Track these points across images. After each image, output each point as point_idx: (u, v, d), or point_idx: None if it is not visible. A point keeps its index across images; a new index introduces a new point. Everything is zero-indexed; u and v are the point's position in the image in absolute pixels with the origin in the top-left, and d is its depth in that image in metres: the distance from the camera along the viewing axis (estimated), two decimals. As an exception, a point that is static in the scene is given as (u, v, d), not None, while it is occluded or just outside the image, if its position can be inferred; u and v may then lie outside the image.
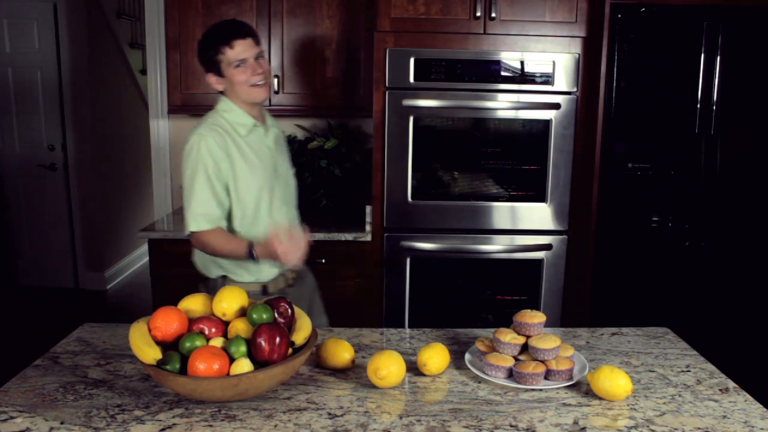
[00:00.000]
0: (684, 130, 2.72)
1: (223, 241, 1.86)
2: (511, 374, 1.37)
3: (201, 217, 1.84)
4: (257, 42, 1.90)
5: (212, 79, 1.93)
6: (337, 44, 3.03)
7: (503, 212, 2.81)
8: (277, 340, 1.25)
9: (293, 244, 1.73)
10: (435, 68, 2.69)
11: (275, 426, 1.18)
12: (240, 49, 1.85)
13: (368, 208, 2.82)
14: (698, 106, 2.70)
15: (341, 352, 1.42)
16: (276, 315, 1.34)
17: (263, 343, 1.24)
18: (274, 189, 1.96)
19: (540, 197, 2.80)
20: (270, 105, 3.04)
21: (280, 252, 1.72)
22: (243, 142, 1.90)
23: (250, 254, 1.80)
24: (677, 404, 1.29)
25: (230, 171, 1.86)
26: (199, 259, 2.01)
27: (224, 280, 1.95)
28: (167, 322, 1.29)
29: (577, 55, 2.72)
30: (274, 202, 1.95)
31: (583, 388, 1.35)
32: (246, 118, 1.93)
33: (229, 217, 1.92)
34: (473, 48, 2.72)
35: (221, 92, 1.97)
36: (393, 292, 2.80)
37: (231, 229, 1.93)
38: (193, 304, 1.39)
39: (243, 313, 1.36)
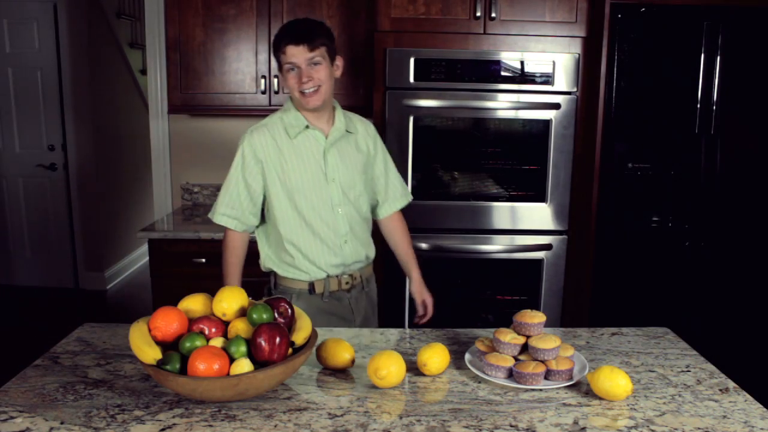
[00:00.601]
0: (684, 130, 2.72)
1: (234, 260, 1.97)
2: (511, 374, 1.37)
3: (225, 212, 1.91)
4: (313, 48, 1.82)
5: (279, 77, 1.94)
6: (337, 44, 3.02)
7: (503, 212, 2.81)
8: (277, 340, 1.25)
9: None
10: (435, 68, 2.69)
11: (275, 426, 1.18)
12: (291, 54, 1.82)
13: (368, 208, 2.82)
14: (698, 106, 2.70)
15: (341, 352, 1.42)
16: (276, 315, 1.34)
17: (263, 343, 1.24)
18: (322, 193, 1.90)
19: (540, 197, 2.80)
20: (270, 105, 3.05)
21: None
22: (288, 144, 1.89)
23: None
24: (677, 404, 1.29)
25: (270, 170, 1.88)
26: (262, 251, 2.03)
27: (274, 277, 2.01)
28: (167, 322, 1.29)
29: (577, 55, 2.72)
30: (320, 205, 1.91)
31: (583, 388, 1.35)
32: (299, 120, 1.91)
33: (265, 217, 1.96)
34: (473, 48, 2.72)
35: None
36: (393, 292, 2.80)
37: (272, 229, 1.95)
38: (193, 304, 1.39)
39: (243, 313, 1.36)
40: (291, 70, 1.84)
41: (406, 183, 2.77)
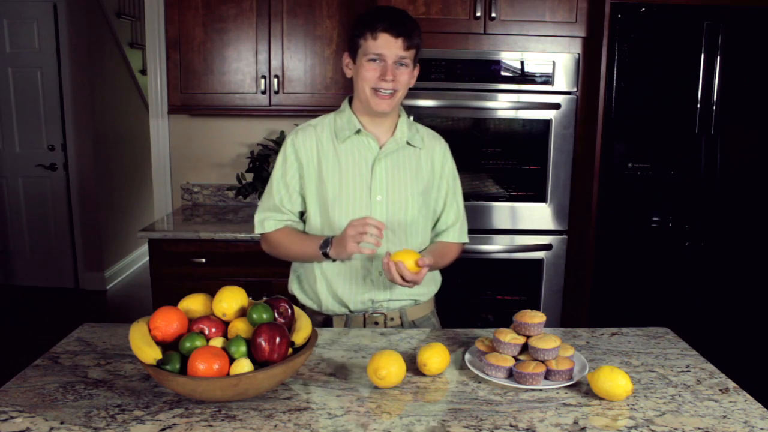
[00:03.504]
0: (684, 130, 2.72)
1: (296, 239, 1.70)
2: (511, 374, 1.37)
3: (267, 217, 1.72)
4: (409, 47, 1.60)
5: (346, 60, 1.69)
6: (337, 44, 3.03)
7: (503, 212, 2.81)
8: (277, 340, 1.25)
9: (362, 228, 1.51)
10: (435, 68, 2.69)
11: (275, 426, 1.18)
12: (383, 43, 1.58)
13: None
14: (698, 106, 2.70)
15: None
16: (276, 315, 1.34)
17: (263, 343, 1.24)
18: (363, 211, 1.67)
19: (540, 197, 2.80)
20: (270, 105, 3.05)
21: (349, 234, 1.53)
22: (333, 148, 1.68)
23: (326, 244, 1.62)
24: (677, 404, 1.29)
25: (310, 176, 1.69)
26: (294, 285, 1.81)
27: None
28: (167, 322, 1.29)
29: (577, 55, 2.72)
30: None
31: (583, 388, 1.35)
32: (352, 122, 1.68)
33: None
34: (473, 48, 2.72)
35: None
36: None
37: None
38: (193, 304, 1.38)
39: (243, 313, 1.36)
40: (373, 61, 1.60)
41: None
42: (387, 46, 1.59)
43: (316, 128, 1.72)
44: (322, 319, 1.77)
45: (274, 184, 1.72)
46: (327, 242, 1.63)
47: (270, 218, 1.73)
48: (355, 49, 1.65)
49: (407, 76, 1.64)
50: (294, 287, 1.81)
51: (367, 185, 1.68)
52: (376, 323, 1.74)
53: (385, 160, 1.69)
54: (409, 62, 1.63)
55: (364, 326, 1.74)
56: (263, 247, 1.79)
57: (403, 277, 1.54)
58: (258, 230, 1.75)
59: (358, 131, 1.69)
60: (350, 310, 1.73)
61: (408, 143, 1.72)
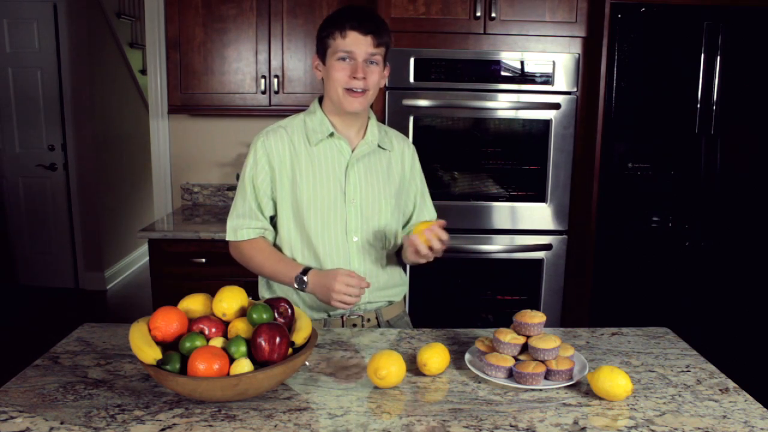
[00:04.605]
0: (684, 130, 2.72)
1: (269, 259, 1.67)
2: (511, 374, 1.37)
3: (241, 225, 1.67)
4: (379, 44, 1.59)
5: (315, 62, 1.67)
6: (337, 44, 3.03)
7: (503, 212, 2.81)
8: (277, 340, 1.25)
9: (350, 288, 1.52)
10: (435, 68, 2.69)
11: (275, 426, 1.18)
12: (351, 41, 1.56)
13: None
14: (698, 106, 2.70)
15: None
16: (276, 315, 1.34)
17: (263, 343, 1.24)
18: (336, 215, 1.66)
19: (540, 197, 2.80)
20: (270, 105, 3.05)
21: (336, 290, 1.52)
22: (306, 151, 1.65)
23: (301, 281, 1.60)
24: (677, 404, 1.29)
25: (282, 180, 1.65)
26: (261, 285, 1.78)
27: None
28: (167, 322, 1.29)
29: (577, 55, 2.72)
30: (330, 230, 1.66)
31: (583, 388, 1.35)
32: (324, 125, 1.66)
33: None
34: (473, 48, 2.72)
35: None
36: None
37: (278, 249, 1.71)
38: (193, 304, 1.38)
39: (243, 313, 1.36)
40: (343, 60, 1.58)
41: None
42: (356, 43, 1.57)
43: (286, 129, 1.68)
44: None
45: (247, 187, 1.67)
46: (302, 280, 1.60)
47: (243, 226, 1.68)
48: (324, 49, 1.63)
49: (377, 75, 1.62)
50: (264, 292, 1.77)
51: (342, 189, 1.66)
52: (354, 325, 1.73)
53: (357, 165, 1.68)
54: (379, 60, 1.61)
55: (342, 328, 1.72)
56: (232, 253, 1.74)
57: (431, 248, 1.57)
58: (230, 237, 1.70)
59: (332, 134, 1.66)
60: (329, 315, 1.71)
61: (379, 146, 1.72)
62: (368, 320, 1.74)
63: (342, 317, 1.72)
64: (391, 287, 1.76)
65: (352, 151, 1.68)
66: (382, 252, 1.73)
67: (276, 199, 1.68)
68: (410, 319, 1.87)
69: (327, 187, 1.65)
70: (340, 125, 1.68)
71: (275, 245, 1.72)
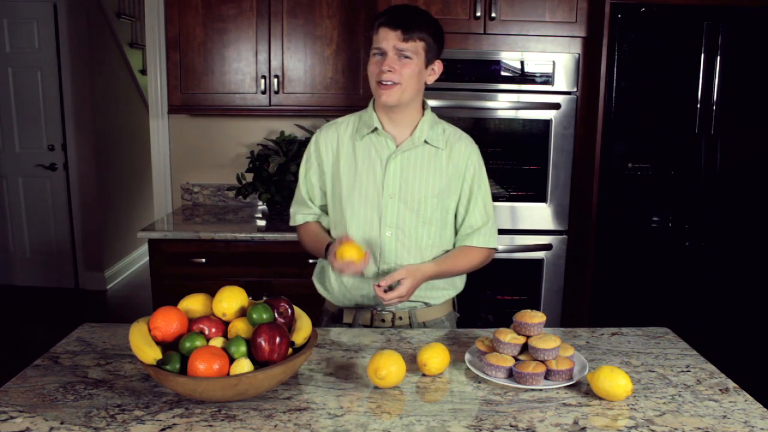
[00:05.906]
0: (684, 130, 2.72)
1: (313, 237, 1.80)
2: (511, 374, 1.37)
3: (297, 211, 1.84)
4: (408, 38, 1.59)
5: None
6: (337, 44, 3.03)
7: (503, 212, 2.81)
8: (277, 340, 1.25)
9: (346, 262, 1.55)
10: (435, 68, 2.69)
11: (275, 426, 1.18)
12: (382, 36, 1.61)
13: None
14: (698, 106, 2.70)
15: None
16: (276, 315, 1.34)
17: (263, 343, 1.24)
18: (373, 209, 1.69)
19: (540, 197, 2.80)
20: (270, 105, 3.05)
21: (334, 268, 1.59)
22: (352, 145, 1.71)
23: (325, 256, 1.69)
24: (677, 404, 1.29)
25: (327, 173, 1.74)
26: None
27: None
28: (167, 322, 1.29)
29: (577, 55, 2.72)
30: (366, 222, 1.69)
31: (583, 388, 1.35)
32: (372, 120, 1.69)
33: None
34: (473, 48, 2.72)
35: None
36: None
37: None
38: (193, 304, 1.39)
39: (243, 313, 1.36)
40: (376, 55, 1.63)
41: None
42: (385, 38, 1.61)
43: (339, 126, 1.76)
44: (336, 311, 1.81)
45: (300, 179, 1.82)
46: (325, 255, 1.71)
47: (298, 212, 1.84)
48: (370, 46, 1.69)
49: (412, 69, 1.61)
50: (315, 278, 1.87)
51: (380, 182, 1.68)
52: (383, 320, 1.73)
53: (399, 158, 1.68)
54: (412, 54, 1.61)
55: (371, 322, 1.74)
56: (298, 238, 1.91)
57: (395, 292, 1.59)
58: (291, 222, 1.87)
59: (375, 129, 1.69)
60: (358, 305, 1.75)
61: (426, 142, 1.70)
62: (400, 318, 1.73)
63: (372, 311, 1.73)
64: (428, 289, 1.73)
65: (397, 147, 1.69)
66: (419, 250, 1.71)
67: (325, 190, 1.79)
68: (454, 325, 1.84)
69: (366, 180, 1.69)
70: (387, 122, 1.70)
71: (328, 231, 1.83)
